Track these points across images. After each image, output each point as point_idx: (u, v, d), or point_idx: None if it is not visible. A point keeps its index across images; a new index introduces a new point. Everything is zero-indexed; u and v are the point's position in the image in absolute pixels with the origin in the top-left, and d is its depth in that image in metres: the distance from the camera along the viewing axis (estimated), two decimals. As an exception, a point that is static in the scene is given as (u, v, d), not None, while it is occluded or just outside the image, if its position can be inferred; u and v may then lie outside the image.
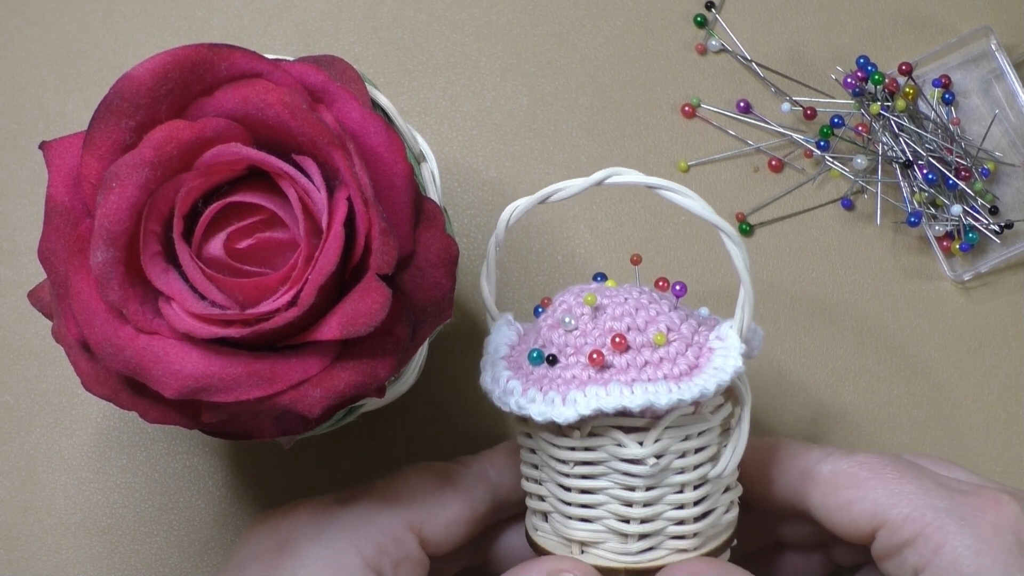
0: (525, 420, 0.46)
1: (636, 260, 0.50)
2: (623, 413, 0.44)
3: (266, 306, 0.39)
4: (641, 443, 0.44)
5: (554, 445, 0.45)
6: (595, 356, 0.44)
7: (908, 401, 0.58)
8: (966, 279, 0.59)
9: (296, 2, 0.61)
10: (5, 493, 0.57)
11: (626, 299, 0.45)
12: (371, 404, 0.48)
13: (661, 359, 0.44)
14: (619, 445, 0.44)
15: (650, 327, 0.45)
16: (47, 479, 0.57)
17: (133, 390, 0.41)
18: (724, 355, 0.44)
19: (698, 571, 0.44)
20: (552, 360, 0.45)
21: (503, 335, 0.47)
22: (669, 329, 0.45)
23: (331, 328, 0.39)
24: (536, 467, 0.47)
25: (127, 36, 0.60)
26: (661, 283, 0.48)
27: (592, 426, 0.44)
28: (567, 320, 0.45)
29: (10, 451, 0.57)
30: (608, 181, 0.45)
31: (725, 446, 0.46)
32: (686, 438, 0.44)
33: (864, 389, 0.58)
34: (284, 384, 0.39)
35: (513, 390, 0.45)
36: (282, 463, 0.57)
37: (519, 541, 0.50)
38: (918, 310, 0.59)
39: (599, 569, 0.45)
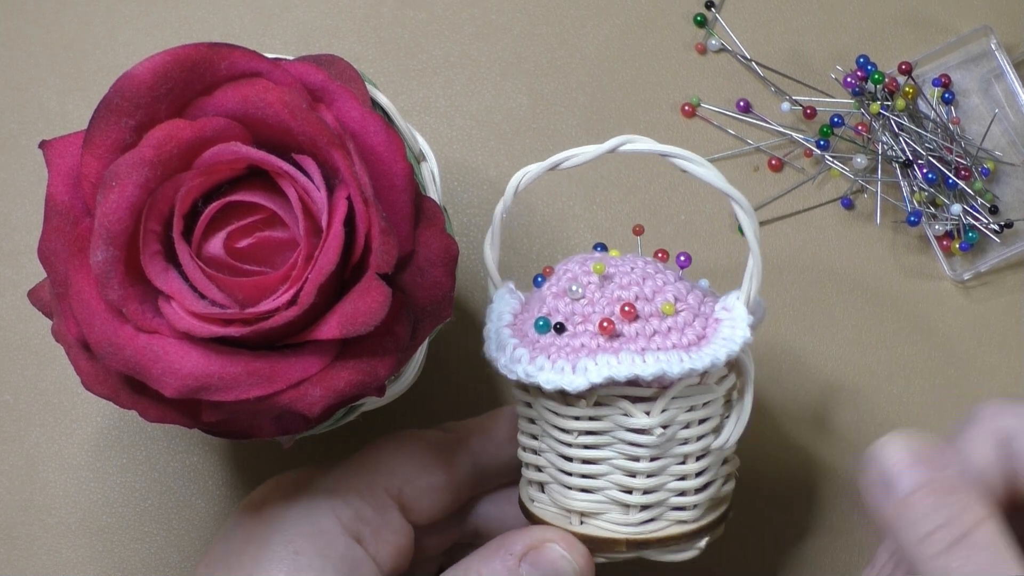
0: (526, 389, 0.46)
1: (638, 230, 0.50)
2: (633, 382, 0.44)
3: (266, 305, 0.39)
4: (648, 413, 0.44)
5: (557, 414, 0.45)
6: (605, 324, 0.43)
7: (908, 401, 0.58)
8: (966, 278, 0.59)
9: (296, 2, 0.61)
10: (5, 493, 0.57)
11: (632, 268, 0.45)
12: (371, 403, 0.48)
13: (669, 329, 0.44)
14: (625, 415, 0.44)
15: (657, 297, 0.45)
16: (47, 479, 0.57)
17: (133, 389, 0.41)
18: (731, 325, 0.44)
19: None
20: (560, 328, 0.44)
21: (506, 303, 0.47)
22: (676, 299, 0.45)
23: (331, 327, 0.39)
24: (535, 437, 0.46)
25: (127, 36, 0.60)
26: (660, 254, 0.48)
27: (599, 396, 0.44)
28: (574, 288, 0.45)
29: (10, 451, 0.57)
30: (621, 148, 0.45)
31: (727, 417, 0.46)
32: (691, 408, 0.45)
33: (864, 388, 0.58)
34: (284, 383, 0.39)
35: (520, 358, 0.44)
36: (282, 462, 0.57)
37: (509, 514, 0.50)
38: (918, 310, 0.59)
39: (599, 540, 0.45)
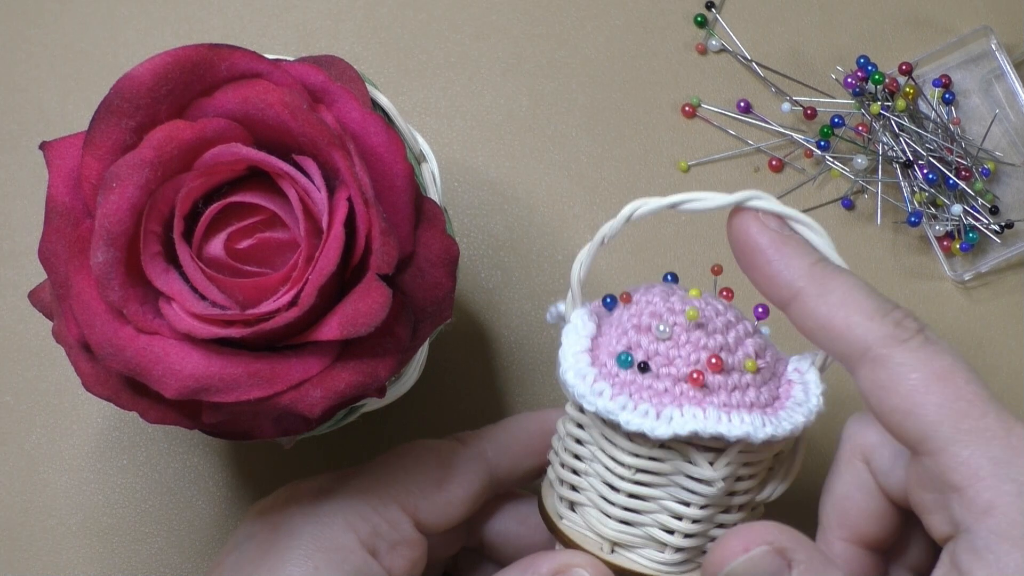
0: (582, 410, 0.44)
1: (717, 271, 0.47)
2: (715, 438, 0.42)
3: (266, 306, 0.39)
4: (712, 463, 0.43)
5: (616, 446, 0.43)
6: (696, 376, 0.42)
7: (908, 401, 0.58)
8: (966, 279, 0.59)
9: (296, 2, 0.61)
10: (5, 493, 0.57)
11: (716, 314, 0.44)
12: (371, 404, 0.48)
13: (748, 385, 0.43)
14: (689, 462, 0.43)
15: (740, 350, 0.43)
16: (47, 479, 0.57)
17: (133, 390, 0.41)
18: (804, 390, 0.44)
19: (764, 535, 0.42)
20: (644, 368, 0.43)
21: (585, 326, 0.44)
22: (757, 355, 0.44)
23: (331, 328, 0.39)
24: (579, 458, 0.45)
25: (127, 36, 0.60)
26: (726, 293, 0.46)
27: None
28: (661, 328, 0.43)
29: (10, 451, 0.57)
30: (748, 204, 0.43)
31: (771, 469, 0.45)
32: (748, 463, 0.44)
33: (864, 389, 0.58)
34: (284, 384, 0.39)
35: (601, 391, 0.42)
36: (282, 463, 0.57)
37: (512, 530, 0.50)
38: (918, 310, 0.59)
39: (629, 572, 0.44)
